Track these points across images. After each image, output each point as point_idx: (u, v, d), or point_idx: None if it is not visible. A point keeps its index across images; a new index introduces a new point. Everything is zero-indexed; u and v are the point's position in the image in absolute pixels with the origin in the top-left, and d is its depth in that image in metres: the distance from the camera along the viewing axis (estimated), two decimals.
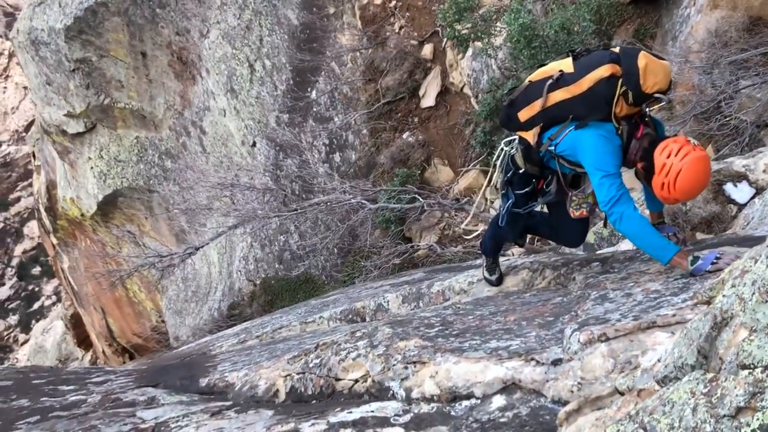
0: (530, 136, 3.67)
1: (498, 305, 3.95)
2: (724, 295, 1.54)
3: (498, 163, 3.94)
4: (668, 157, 3.07)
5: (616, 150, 3.31)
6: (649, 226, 3.24)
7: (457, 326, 3.51)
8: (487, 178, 4.15)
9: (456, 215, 11.65)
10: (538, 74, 3.64)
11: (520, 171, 3.79)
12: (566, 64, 3.52)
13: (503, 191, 3.97)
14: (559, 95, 3.48)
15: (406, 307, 5.50)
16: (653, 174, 3.14)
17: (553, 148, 3.55)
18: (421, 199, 10.98)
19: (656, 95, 3.26)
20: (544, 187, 3.85)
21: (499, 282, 4.47)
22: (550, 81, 3.51)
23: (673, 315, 2.52)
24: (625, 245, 6.16)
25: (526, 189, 3.86)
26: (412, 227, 12.03)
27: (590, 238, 6.63)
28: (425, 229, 11.97)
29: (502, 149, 3.89)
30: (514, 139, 3.80)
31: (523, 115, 3.66)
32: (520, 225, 4.10)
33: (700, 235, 5.36)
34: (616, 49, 3.42)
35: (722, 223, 5.49)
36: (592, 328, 2.63)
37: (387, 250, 11.32)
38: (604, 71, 3.34)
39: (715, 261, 2.99)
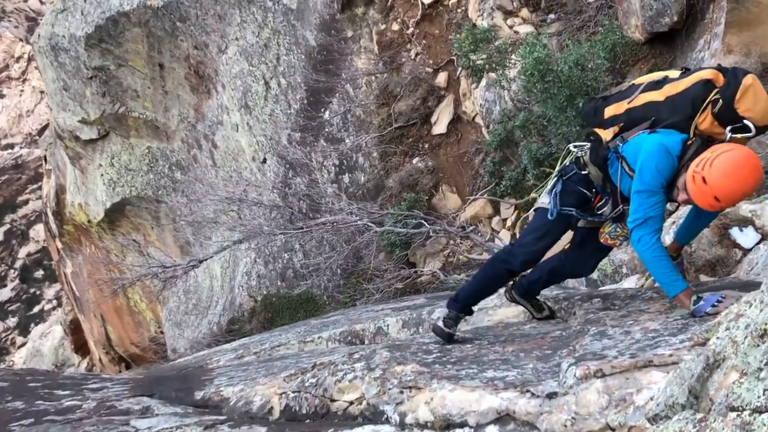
0: (606, 133, 3.53)
1: (497, 335, 3.96)
2: (717, 338, 1.56)
3: (559, 164, 3.79)
4: (712, 151, 2.95)
5: (668, 162, 3.13)
6: (665, 257, 3.14)
7: (455, 354, 3.52)
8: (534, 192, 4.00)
9: (461, 243, 11.66)
10: (643, 78, 3.56)
11: (583, 172, 3.62)
12: (674, 73, 3.43)
13: (550, 193, 3.69)
14: (650, 96, 3.37)
15: (406, 332, 5.51)
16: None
17: (621, 144, 3.40)
18: (427, 225, 11.00)
19: (745, 121, 3.06)
20: (597, 206, 3.65)
21: (450, 338, 3.78)
22: (651, 82, 3.43)
23: (670, 355, 2.53)
24: (628, 283, 6.16)
25: (580, 197, 3.62)
26: (417, 252, 12.04)
27: (593, 274, 6.63)
28: (430, 255, 11.98)
29: (568, 150, 3.77)
30: (585, 145, 3.70)
31: (610, 111, 3.54)
32: (549, 242, 3.70)
33: (703, 278, 5.36)
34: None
35: (726, 267, 5.49)
36: (588, 364, 2.64)
37: (390, 273, 11.32)
38: (706, 74, 3.22)
39: (716, 304, 2.96)
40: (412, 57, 13.56)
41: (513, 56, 10.54)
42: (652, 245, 3.12)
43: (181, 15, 15.43)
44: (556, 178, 3.69)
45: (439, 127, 13.01)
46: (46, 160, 22.42)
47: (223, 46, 15.27)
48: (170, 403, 4.11)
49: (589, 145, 3.65)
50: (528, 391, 2.75)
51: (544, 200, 3.70)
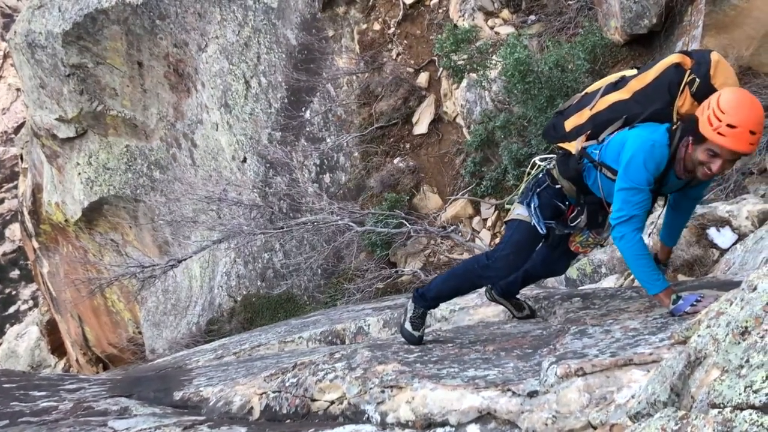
0: (572, 146, 3.42)
1: (478, 334, 3.96)
2: (699, 335, 1.57)
3: (526, 178, 3.70)
4: (701, 111, 2.93)
5: (656, 155, 3.06)
6: (646, 256, 3.11)
7: (436, 353, 3.52)
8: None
9: (442, 242, 11.68)
10: (595, 85, 3.50)
11: (556, 186, 3.53)
12: (630, 72, 3.39)
13: (528, 206, 3.59)
14: (613, 97, 3.31)
15: (387, 332, 5.50)
16: (699, 139, 2.91)
17: (597, 151, 3.29)
18: (408, 225, 11.01)
19: None
20: (571, 218, 3.58)
21: (420, 341, 3.74)
22: (607, 85, 3.38)
23: (650, 353, 2.54)
24: (607, 283, 6.21)
25: (555, 210, 3.56)
26: (398, 252, 12.04)
27: (573, 273, 6.67)
28: (410, 255, 11.99)
29: (535, 164, 3.68)
30: (551, 157, 3.63)
31: (570, 123, 3.46)
32: (526, 257, 3.66)
33: (681, 277, 5.42)
34: None
35: (704, 267, 5.55)
36: (569, 362, 2.65)
37: (371, 273, 11.31)
38: (673, 58, 3.19)
39: (694, 303, 2.97)
40: (394, 57, 13.57)
41: (494, 57, 10.58)
42: (634, 243, 3.08)
43: (161, 13, 15.29)
44: (531, 193, 3.61)
45: (420, 127, 13.03)
46: (22, 158, 22.11)
47: (203, 45, 15.16)
48: (149, 404, 4.06)
49: (555, 157, 3.58)
50: (509, 389, 2.75)
51: (519, 212, 3.61)
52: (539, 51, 10.45)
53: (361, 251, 12.12)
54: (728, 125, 2.82)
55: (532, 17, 11.70)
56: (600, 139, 3.30)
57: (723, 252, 5.45)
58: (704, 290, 3.29)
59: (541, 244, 3.77)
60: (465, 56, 10.61)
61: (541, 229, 3.51)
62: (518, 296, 4.26)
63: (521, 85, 9.59)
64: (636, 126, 3.19)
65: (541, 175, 3.63)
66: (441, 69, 12.53)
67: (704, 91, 3.03)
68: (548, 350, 3.11)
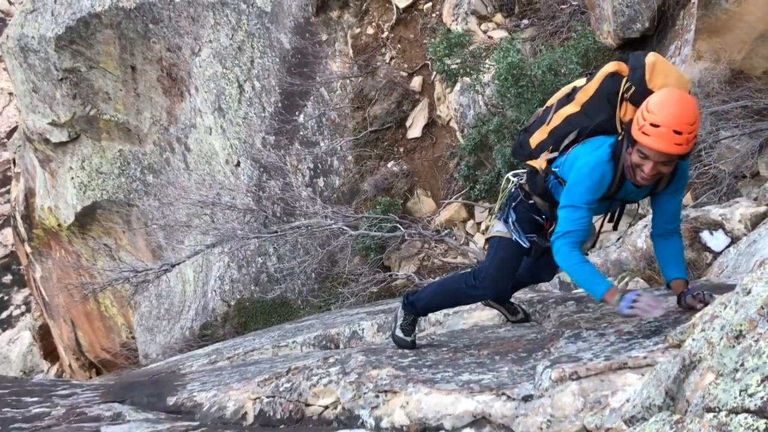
0: (538, 162, 3.40)
1: (472, 338, 3.96)
2: (693, 339, 1.57)
3: (501, 194, 3.66)
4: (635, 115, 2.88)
5: (598, 174, 3.03)
6: (584, 263, 3.05)
7: (430, 357, 3.51)
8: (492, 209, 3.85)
9: (436, 246, 11.68)
10: (554, 97, 3.48)
11: (530, 201, 3.51)
12: (581, 81, 3.37)
13: (506, 221, 3.55)
14: (566, 111, 3.30)
15: (381, 336, 5.49)
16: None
17: (557, 169, 3.28)
18: (402, 229, 11.00)
19: None
20: (550, 231, 3.46)
21: (413, 345, 3.77)
22: (560, 99, 3.37)
23: (644, 357, 2.54)
24: None
25: (534, 224, 3.52)
26: (392, 256, 12.04)
27: (567, 277, 6.67)
28: (405, 259, 11.99)
29: (508, 179, 3.66)
30: (523, 172, 3.59)
31: (534, 139, 3.45)
32: (513, 274, 3.61)
33: None
34: None
35: (697, 270, 5.56)
36: (564, 366, 2.65)
37: (365, 277, 11.30)
38: (609, 67, 3.17)
39: (630, 305, 2.85)
40: (387, 61, 13.58)
41: (487, 61, 10.60)
42: (568, 253, 3.03)
43: (154, 17, 15.27)
44: (507, 208, 3.57)
45: (414, 131, 13.03)
46: (14, 163, 22.01)
47: (196, 49, 15.14)
48: (142, 409, 4.04)
49: (526, 172, 3.55)
50: (504, 394, 2.75)
51: (499, 228, 3.57)
52: (532, 55, 10.48)
53: (355, 255, 12.11)
54: (651, 124, 2.78)
55: (525, 21, 11.73)
56: (559, 152, 3.28)
57: (716, 255, 5.46)
58: (643, 292, 3.20)
59: (527, 256, 3.69)
60: (458, 60, 10.62)
61: (524, 243, 3.48)
62: (512, 300, 4.25)
63: (514, 89, 9.60)
64: (584, 142, 3.15)
65: (513, 190, 3.60)
66: (434, 73, 12.55)
67: (643, 96, 2.97)
68: (543, 354, 3.11)
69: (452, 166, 12.35)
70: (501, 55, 9.64)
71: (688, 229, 5.71)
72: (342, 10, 14.07)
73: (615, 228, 3.55)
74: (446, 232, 11.41)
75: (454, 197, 11.87)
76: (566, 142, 3.25)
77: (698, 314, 1.80)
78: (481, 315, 4.82)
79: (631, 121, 2.98)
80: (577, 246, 3.06)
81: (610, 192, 3.10)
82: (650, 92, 2.95)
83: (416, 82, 13.24)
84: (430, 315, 4.74)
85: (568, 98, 3.32)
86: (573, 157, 3.17)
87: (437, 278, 8.49)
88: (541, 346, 3.29)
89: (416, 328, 3.84)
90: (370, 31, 13.86)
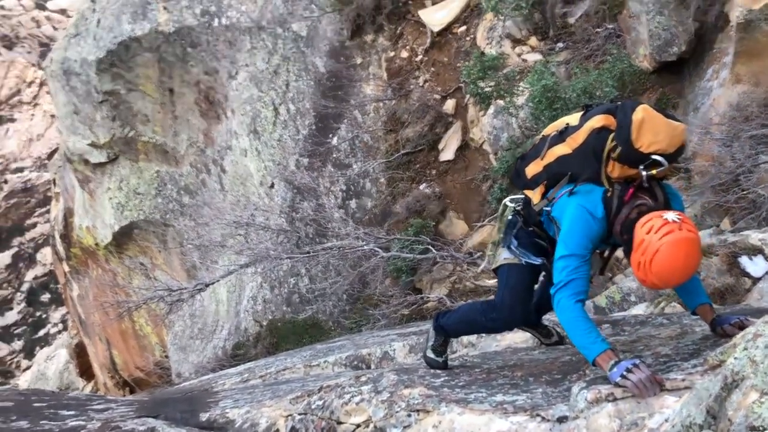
0: (533, 194, 3.38)
1: (506, 360, 3.92)
2: (735, 357, 1.54)
3: (499, 221, 3.64)
4: (648, 232, 2.70)
5: (594, 227, 2.98)
6: (583, 320, 2.89)
7: (463, 378, 3.49)
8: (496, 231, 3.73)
9: (468, 269, 11.61)
10: (550, 128, 3.44)
11: (529, 228, 3.47)
12: (574, 117, 3.29)
13: (509, 248, 3.52)
14: (560, 150, 3.23)
15: (412, 357, 5.47)
16: (632, 250, 2.77)
17: (549, 209, 3.23)
18: (434, 251, 10.97)
19: (655, 157, 2.89)
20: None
21: (445, 365, 3.73)
22: (554, 134, 3.31)
23: (683, 379, 2.49)
24: (637, 311, 6.12)
25: (537, 248, 3.46)
26: (423, 278, 11.99)
27: (602, 302, 6.59)
28: (436, 281, 11.93)
29: (505, 206, 3.62)
30: (521, 198, 3.55)
31: (530, 170, 3.39)
32: (529, 298, 3.54)
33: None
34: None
35: (736, 296, 5.46)
36: (599, 387, 2.61)
37: (396, 299, 11.26)
38: (596, 122, 3.08)
39: (624, 374, 2.62)
40: (421, 84, 13.65)
41: (521, 84, 10.59)
42: (568, 307, 2.91)
43: (192, 41, 15.60)
44: (508, 235, 3.53)
45: (447, 153, 13.04)
46: (55, 183, 22.56)
47: (233, 72, 15.41)
48: (175, 425, 4.07)
49: (523, 198, 3.51)
50: (538, 415, 2.71)
51: (505, 256, 3.52)
52: (567, 78, 10.45)
53: (387, 277, 12.09)
54: (652, 283, 2.74)
55: (560, 44, 11.71)
56: (550, 197, 3.23)
57: (756, 281, 5.35)
58: (645, 362, 2.83)
59: (542, 278, 3.65)
60: (492, 83, 10.64)
61: (536, 261, 3.42)
62: (545, 323, 4.19)
63: (549, 111, 9.57)
64: (576, 192, 3.08)
65: (511, 216, 3.57)
66: (468, 96, 12.57)
67: (631, 155, 2.91)
68: (578, 376, 3.07)
69: (485, 188, 12.31)
70: (535, 78, 9.63)
71: (726, 254, 5.62)
72: (376, 34, 14.22)
73: (602, 273, 3.47)
74: (479, 254, 11.34)
75: (486, 220, 11.81)
76: (559, 186, 3.19)
77: (740, 334, 1.76)
78: (514, 337, 4.78)
79: (619, 179, 2.97)
80: (578, 297, 2.94)
81: (602, 239, 3.07)
82: (638, 152, 2.89)
83: (449, 105, 13.28)
84: (462, 337, 4.73)
85: (561, 136, 3.25)
86: (563, 205, 3.12)
87: (467, 302, 8.44)
88: (576, 369, 3.24)
89: (448, 349, 3.82)
90: (404, 54, 13.97)
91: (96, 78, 16.48)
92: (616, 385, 2.62)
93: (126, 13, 16.19)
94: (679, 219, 2.70)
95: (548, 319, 4.33)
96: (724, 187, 7.39)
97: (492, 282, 11.06)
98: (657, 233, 2.67)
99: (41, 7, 51.26)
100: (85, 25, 17.14)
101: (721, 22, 8.65)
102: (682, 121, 3.18)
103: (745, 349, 1.55)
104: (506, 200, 3.65)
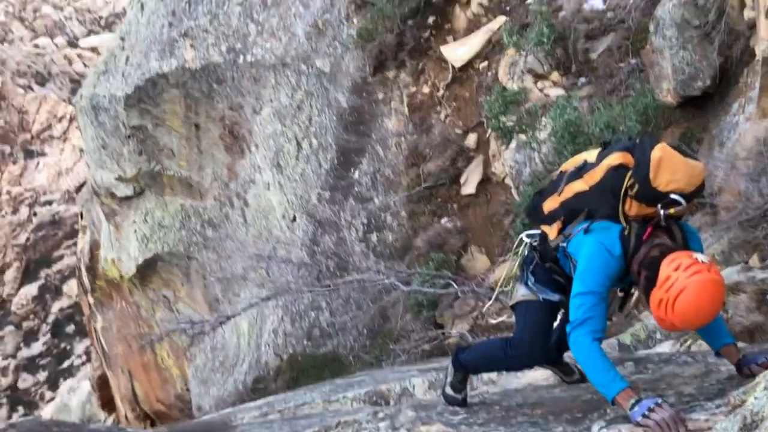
0: (550, 230, 3.34)
1: (526, 398, 3.86)
2: (755, 398, 1.49)
3: (513, 257, 3.61)
4: (676, 269, 2.65)
5: (612, 264, 2.95)
6: (599, 360, 2.85)
7: (482, 415, 3.43)
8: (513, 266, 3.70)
9: (490, 304, 11.50)
10: (568, 164, 3.43)
11: (546, 264, 3.41)
12: (592, 154, 3.28)
13: (526, 284, 3.46)
14: (577, 186, 3.21)
15: (432, 393, 5.40)
16: (654, 287, 2.72)
17: (565, 245, 3.19)
18: (455, 286, 10.90)
19: (673, 197, 2.86)
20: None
21: (464, 402, 3.65)
22: (572, 170, 3.29)
23: (706, 420, 2.43)
24: (662, 348, 6.00)
25: (554, 284, 3.38)
26: (445, 313, 11.90)
27: (627, 339, 6.49)
28: (458, 317, 11.83)
29: (521, 241, 3.58)
30: (537, 233, 3.50)
31: (546, 206, 3.36)
32: (547, 336, 3.49)
33: (741, 344, 5.21)
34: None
35: (765, 334, 5.35)
36: (620, 427, 2.56)
37: (417, 334, 11.17)
38: (613, 159, 3.05)
39: (646, 413, 2.57)
40: (442, 119, 13.72)
41: (543, 118, 10.60)
42: (585, 345, 2.87)
43: (218, 77, 15.88)
44: (525, 272, 3.48)
45: (468, 187, 13.03)
46: (82, 216, 22.89)
47: (257, 108, 15.63)
48: None
49: (540, 233, 3.47)
50: None
51: (522, 293, 3.47)
52: (590, 113, 10.43)
53: (407, 312, 12.02)
54: (671, 323, 2.71)
55: (582, 79, 11.72)
56: (567, 233, 3.20)
57: None
58: (664, 401, 2.74)
59: (561, 315, 3.57)
60: (514, 117, 10.66)
61: (553, 297, 3.35)
62: (567, 360, 4.12)
63: (571, 146, 9.54)
64: (592, 229, 3.05)
65: (527, 252, 3.53)
66: (489, 130, 12.60)
67: (648, 194, 2.90)
68: (599, 415, 3.01)
69: (507, 223, 12.25)
70: (557, 113, 9.63)
71: (755, 291, 5.52)
72: (398, 70, 14.36)
73: (621, 310, 3.43)
74: (501, 290, 11.24)
75: (508, 255, 11.73)
76: (576, 221, 3.16)
77: (764, 373, 1.71)
78: (535, 375, 4.70)
79: (637, 217, 2.95)
80: (595, 335, 2.90)
81: (619, 278, 3.04)
82: (656, 192, 2.87)
83: (471, 140, 13.30)
84: (483, 374, 4.66)
85: (578, 172, 3.24)
86: (579, 242, 3.09)
87: (487, 339, 8.35)
88: (597, 407, 3.18)
89: (467, 386, 3.75)
90: (426, 89, 14.07)
91: (124, 113, 16.81)
92: (638, 424, 2.55)
93: (154, 51, 16.56)
94: (708, 261, 2.66)
95: (570, 356, 4.26)
96: (752, 222, 7.27)
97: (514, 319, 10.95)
98: (686, 271, 2.62)
99: (73, 44, 52.63)
100: (114, 63, 17.56)
101: (747, 56, 8.60)
102: (701, 160, 3.18)
103: (766, 388, 1.51)
104: (523, 235, 3.62)
